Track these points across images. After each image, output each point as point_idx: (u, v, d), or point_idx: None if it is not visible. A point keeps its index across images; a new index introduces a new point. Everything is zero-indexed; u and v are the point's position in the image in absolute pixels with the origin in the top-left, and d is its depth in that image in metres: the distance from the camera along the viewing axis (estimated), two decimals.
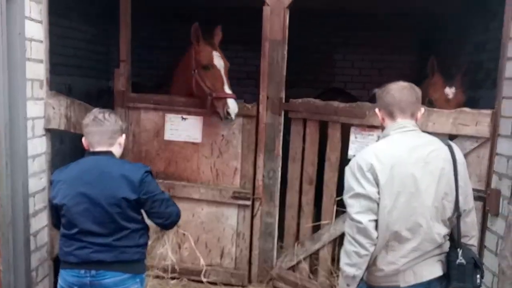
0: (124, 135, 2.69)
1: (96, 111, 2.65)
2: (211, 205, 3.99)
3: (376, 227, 2.20)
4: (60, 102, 3.36)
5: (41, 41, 3.20)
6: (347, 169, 2.32)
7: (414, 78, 6.48)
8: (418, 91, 2.37)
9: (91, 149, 2.60)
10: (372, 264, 2.28)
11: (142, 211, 2.62)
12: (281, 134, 3.79)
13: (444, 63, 5.83)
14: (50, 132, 3.38)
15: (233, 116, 3.53)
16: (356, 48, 6.75)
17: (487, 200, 3.11)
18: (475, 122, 3.15)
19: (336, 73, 6.89)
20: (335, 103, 3.64)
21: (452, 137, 3.21)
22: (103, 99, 5.59)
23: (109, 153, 2.59)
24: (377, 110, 2.43)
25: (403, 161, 2.20)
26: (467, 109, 3.22)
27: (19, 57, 2.91)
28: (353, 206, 2.21)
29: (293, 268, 3.90)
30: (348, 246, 2.24)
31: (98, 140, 2.57)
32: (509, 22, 3.08)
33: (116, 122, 2.61)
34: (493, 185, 3.12)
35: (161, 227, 2.73)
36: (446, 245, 2.32)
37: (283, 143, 3.82)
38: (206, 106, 3.64)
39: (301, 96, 3.87)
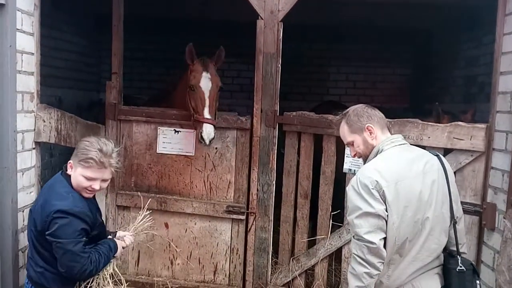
0: (70, 162, 2.52)
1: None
2: (204, 220, 3.93)
3: (384, 245, 2.18)
4: (50, 115, 3.31)
5: (32, 54, 3.17)
6: (349, 188, 2.28)
7: (408, 91, 6.60)
8: None
9: None
10: None
11: None
12: (276, 147, 3.75)
13: (438, 78, 5.89)
14: (40, 145, 3.33)
15: (207, 141, 3.45)
16: (350, 61, 6.80)
17: (483, 214, 3.10)
18: (470, 136, 3.15)
19: (330, 86, 6.92)
20: (330, 116, 3.62)
21: (447, 151, 3.21)
22: (94, 111, 5.54)
23: (64, 174, 2.55)
24: (370, 127, 2.39)
25: (405, 175, 2.22)
26: (461, 123, 3.22)
27: (10, 69, 2.87)
28: (362, 226, 2.16)
29: (288, 285, 3.83)
30: (358, 268, 2.18)
31: None
32: (501, 37, 3.11)
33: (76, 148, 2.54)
34: (488, 199, 3.11)
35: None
36: (442, 256, 2.34)
37: (277, 156, 3.78)
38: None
39: (295, 109, 3.85)
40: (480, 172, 3.16)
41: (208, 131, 3.44)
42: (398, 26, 5.46)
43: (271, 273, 3.89)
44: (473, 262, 2.38)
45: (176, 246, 3.94)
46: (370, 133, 2.37)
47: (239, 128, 3.82)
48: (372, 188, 2.16)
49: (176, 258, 3.98)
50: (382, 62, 6.72)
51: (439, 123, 3.64)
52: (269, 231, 3.82)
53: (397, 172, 2.21)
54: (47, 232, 2.33)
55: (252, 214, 3.81)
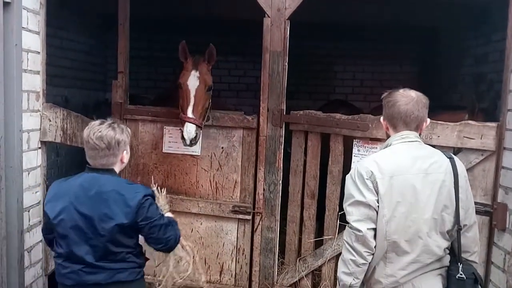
0: (124, 152, 2.50)
1: (96, 126, 2.44)
2: (210, 220, 3.90)
3: (375, 236, 2.19)
4: (56, 114, 3.30)
5: (38, 52, 3.15)
6: (347, 177, 2.31)
7: (416, 89, 6.52)
8: (425, 101, 2.31)
9: (91, 164, 2.46)
10: (370, 276, 2.26)
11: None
12: (282, 146, 3.72)
13: (446, 75, 5.83)
14: (46, 145, 3.32)
15: (187, 141, 3.34)
16: (357, 60, 6.75)
17: (494, 214, 3.05)
18: (480, 135, 3.10)
19: (337, 85, 6.88)
20: (337, 115, 3.59)
21: (457, 150, 3.16)
22: (100, 111, 5.53)
23: (110, 171, 2.46)
24: (381, 118, 2.41)
25: (404, 171, 2.19)
26: (472, 122, 3.17)
27: (16, 68, 2.86)
28: (353, 214, 2.21)
29: (294, 285, 3.80)
30: (346, 254, 2.24)
31: (94, 155, 2.43)
32: None
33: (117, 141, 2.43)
34: (499, 199, 3.06)
35: (158, 251, 2.58)
36: (446, 259, 2.29)
37: (284, 155, 3.75)
38: None
39: (301, 108, 3.82)
40: (491, 172, 3.11)
41: (188, 130, 3.33)
42: (405, 23, 5.41)
43: (277, 273, 3.86)
44: (477, 271, 2.28)
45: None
46: (383, 124, 2.39)
47: (246, 128, 3.79)
48: (367, 178, 2.18)
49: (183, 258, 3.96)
50: (389, 60, 6.66)
51: (472, 119, 3.51)
52: (275, 231, 3.79)
53: (396, 167, 2.19)
54: (140, 219, 2.38)
55: (258, 214, 3.79)
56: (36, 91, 3.15)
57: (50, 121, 3.24)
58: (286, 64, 3.63)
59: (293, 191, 3.82)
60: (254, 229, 3.82)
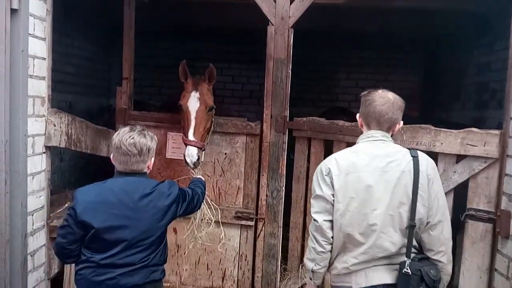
0: (151, 160, 2.56)
1: (128, 133, 2.46)
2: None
3: (332, 228, 2.33)
4: (61, 119, 3.33)
5: (44, 58, 3.18)
6: (314, 173, 2.46)
7: (418, 98, 6.55)
8: (401, 104, 2.39)
9: (122, 169, 2.46)
10: (332, 263, 2.40)
11: None
12: (285, 152, 3.73)
13: (449, 84, 5.84)
14: (50, 150, 3.33)
15: (190, 164, 3.30)
16: (360, 68, 6.78)
17: (497, 222, 3.04)
18: (483, 142, 3.10)
19: (340, 92, 6.90)
20: (340, 122, 3.60)
21: (460, 157, 3.17)
22: (104, 116, 5.57)
23: (144, 174, 2.52)
24: (358, 115, 2.48)
25: (360, 169, 2.30)
26: (475, 129, 3.16)
27: (22, 74, 2.89)
28: (314, 206, 2.39)
29: None
30: (309, 242, 2.44)
31: (125, 161, 2.44)
32: None
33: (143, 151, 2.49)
34: (503, 206, 3.05)
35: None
36: (402, 257, 2.27)
37: (287, 162, 3.76)
38: None
39: (304, 115, 3.84)
40: (494, 179, 3.10)
41: (190, 153, 3.30)
42: (409, 32, 5.44)
43: (280, 280, 3.86)
44: (427, 269, 2.24)
45: (184, 252, 3.93)
46: (358, 121, 2.48)
47: (249, 134, 3.81)
48: (326, 175, 2.34)
49: (185, 263, 3.96)
50: (392, 69, 6.70)
51: None
52: (278, 237, 3.79)
53: (353, 165, 2.31)
54: (181, 208, 2.61)
55: (261, 220, 3.79)
56: (42, 96, 3.17)
57: (55, 126, 3.26)
58: (290, 71, 3.66)
59: (296, 197, 3.82)
60: (257, 235, 3.82)
